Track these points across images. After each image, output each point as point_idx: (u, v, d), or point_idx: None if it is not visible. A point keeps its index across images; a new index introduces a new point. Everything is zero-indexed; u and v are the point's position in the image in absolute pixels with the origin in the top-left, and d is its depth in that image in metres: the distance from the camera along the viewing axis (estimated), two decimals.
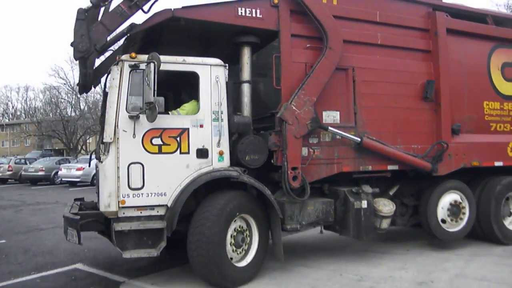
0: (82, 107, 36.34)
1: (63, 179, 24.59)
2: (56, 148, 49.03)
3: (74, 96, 36.53)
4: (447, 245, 7.33)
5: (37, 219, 11.87)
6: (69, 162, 26.69)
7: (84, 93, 7.72)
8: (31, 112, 42.36)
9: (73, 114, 38.64)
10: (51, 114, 39.74)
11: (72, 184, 23.70)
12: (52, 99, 39.33)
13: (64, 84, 36.94)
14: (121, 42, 6.60)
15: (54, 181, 25.65)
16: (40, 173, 25.78)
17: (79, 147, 40.36)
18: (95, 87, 7.70)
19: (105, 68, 6.56)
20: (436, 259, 6.68)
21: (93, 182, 22.93)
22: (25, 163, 28.23)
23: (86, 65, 5.89)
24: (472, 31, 7.50)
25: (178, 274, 6.17)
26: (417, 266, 6.36)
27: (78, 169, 23.47)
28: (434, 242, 7.49)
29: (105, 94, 6.73)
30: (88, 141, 46.26)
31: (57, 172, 25.41)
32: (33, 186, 24.62)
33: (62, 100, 38.93)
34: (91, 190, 20.41)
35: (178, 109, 5.83)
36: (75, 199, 7.01)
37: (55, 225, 10.37)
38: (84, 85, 6.72)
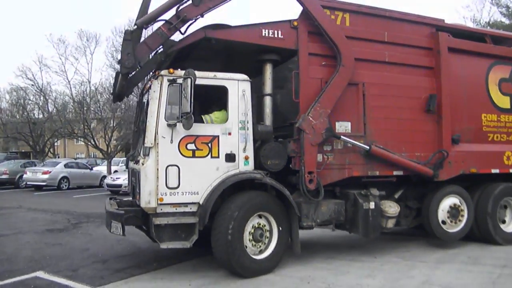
0: (50, 109, 34.52)
1: (28, 183, 23.98)
2: (23, 151, 47.29)
3: (42, 98, 34.82)
4: (414, 253, 7.68)
5: None
6: (35, 165, 26.03)
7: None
8: None
9: (40, 116, 36.80)
10: (17, 116, 37.76)
11: (38, 188, 23.29)
12: (19, 100, 37.09)
13: (32, 85, 34.85)
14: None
15: (19, 185, 24.93)
16: (4, 176, 24.84)
17: (46, 150, 39.10)
18: (127, 97, 8.52)
19: (136, 80, 7.34)
20: (403, 267, 6.84)
21: (60, 186, 23.18)
22: None
23: (127, 79, 6.68)
24: (472, 49, 8.21)
25: (141, 282, 6.22)
26: (384, 274, 6.48)
27: (44, 173, 23.09)
28: (400, 250, 7.91)
29: (140, 105, 7.53)
30: (56, 144, 44.28)
31: (22, 176, 24.64)
32: None
33: (29, 102, 36.92)
34: (57, 195, 20.70)
35: (211, 115, 6.56)
36: (110, 198, 7.74)
37: (16, 231, 10.19)
38: (119, 95, 7.51)
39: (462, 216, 7.93)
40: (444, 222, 7.82)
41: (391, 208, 7.35)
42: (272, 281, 6.18)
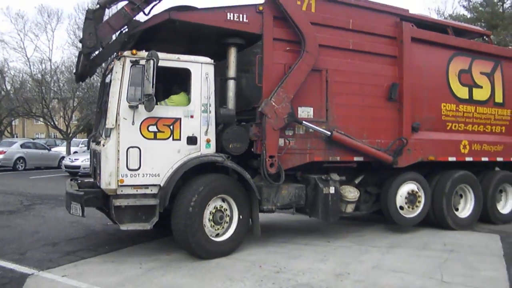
0: (7, 87, 33.28)
1: None
2: None
3: None
4: (368, 238, 7.84)
5: None
6: None
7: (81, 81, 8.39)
8: None
9: None
10: None
11: None
12: None
13: None
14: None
15: None
16: None
17: (3, 129, 37.80)
18: (91, 77, 8.42)
19: (100, 60, 7.25)
20: (356, 251, 6.94)
21: (16, 166, 22.62)
22: None
23: (89, 59, 6.59)
24: (434, 40, 8.41)
25: (91, 265, 6.14)
26: (336, 258, 6.54)
27: None
28: (354, 235, 8.07)
29: (103, 86, 7.45)
30: (13, 123, 43.31)
31: None
32: None
33: None
34: (12, 176, 20.21)
35: (166, 100, 6.55)
36: (71, 179, 7.67)
37: None
38: (82, 75, 7.42)
39: (419, 202, 8.19)
40: (402, 208, 8.06)
41: (351, 193, 7.54)
42: (223, 264, 6.20)
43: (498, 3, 28.65)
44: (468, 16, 28.41)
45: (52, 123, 28.88)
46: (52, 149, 27.17)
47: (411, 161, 8.04)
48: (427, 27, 8.51)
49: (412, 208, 8.13)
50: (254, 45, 7.42)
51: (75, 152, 26.11)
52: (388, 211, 8.01)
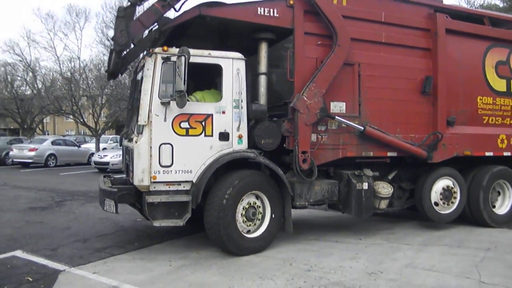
0: (39, 86, 33.93)
1: (14, 160, 23.82)
2: (12, 127, 46.76)
3: (30, 74, 34.11)
4: (400, 236, 7.65)
5: None
6: (22, 142, 25.84)
7: (112, 79, 8.44)
8: None
9: (28, 92, 36.13)
10: (5, 92, 36.47)
11: (24, 165, 23.25)
12: (7, 76, 35.97)
13: (20, 61, 34.16)
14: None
15: (5, 162, 24.84)
16: None
17: (34, 127, 38.54)
18: (122, 74, 8.47)
19: (131, 57, 7.27)
20: (388, 249, 6.80)
21: (47, 163, 23.10)
22: None
23: (120, 56, 6.62)
24: (470, 31, 8.14)
25: (121, 262, 6.15)
26: (368, 256, 6.42)
27: (31, 150, 22.95)
28: (385, 232, 7.89)
29: (134, 83, 7.48)
30: (45, 121, 43.81)
31: (8, 153, 24.53)
32: None
33: (17, 78, 36.23)
34: (44, 172, 20.64)
35: (192, 95, 6.49)
36: (104, 175, 7.75)
37: None
38: (114, 73, 7.45)
39: (455, 198, 7.99)
40: (436, 204, 7.87)
41: (384, 189, 7.39)
42: (254, 262, 6.12)
43: None
44: (501, 5, 27.40)
45: (81, 120, 29.39)
46: (82, 146, 27.77)
47: (446, 156, 7.83)
48: (461, 17, 8.23)
49: (448, 204, 7.92)
50: (285, 40, 7.35)
51: (104, 148, 26.51)
52: (422, 208, 7.83)
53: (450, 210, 7.97)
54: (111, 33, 42.04)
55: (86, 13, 42.64)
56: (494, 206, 8.50)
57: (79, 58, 32.51)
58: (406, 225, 8.51)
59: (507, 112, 8.56)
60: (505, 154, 8.43)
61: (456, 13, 8.21)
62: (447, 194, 7.90)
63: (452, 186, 7.97)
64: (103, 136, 30.81)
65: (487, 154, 8.27)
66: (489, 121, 8.39)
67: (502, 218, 8.42)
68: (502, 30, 8.55)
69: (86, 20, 35.68)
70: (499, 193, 8.64)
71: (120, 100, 26.77)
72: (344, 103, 7.15)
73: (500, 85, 8.48)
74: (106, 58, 31.45)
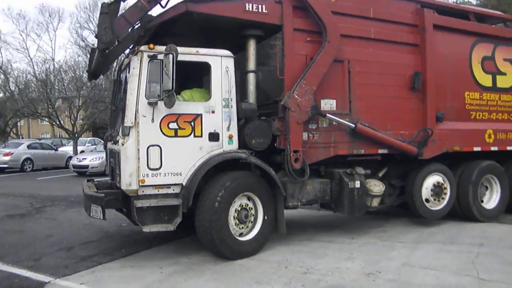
0: (12, 88, 33.04)
1: None
2: None
3: (2, 76, 33.49)
4: (391, 234, 7.54)
5: None
6: None
7: (93, 80, 8.14)
8: None
9: (0, 95, 35.25)
10: None
11: None
12: None
13: None
14: None
15: None
16: None
17: (9, 130, 37.38)
18: (103, 74, 8.17)
19: (112, 56, 7.00)
20: (382, 248, 6.70)
21: (24, 168, 22.22)
22: None
23: (104, 55, 6.35)
24: (456, 27, 8.15)
25: (109, 271, 5.88)
26: (363, 255, 6.31)
27: (6, 155, 22.24)
28: (376, 230, 7.79)
29: (117, 83, 7.21)
30: (19, 124, 42.98)
31: None
32: None
33: None
34: (20, 177, 19.95)
35: (180, 95, 6.26)
36: (88, 179, 7.45)
37: None
38: (95, 73, 7.16)
39: (445, 194, 7.96)
40: (427, 200, 7.83)
41: (376, 186, 7.31)
42: (248, 266, 5.93)
43: None
44: (474, 2, 27.82)
45: (57, 122, 28.71)
46: (59, 149, 26.98)
47: (436, 152, 7.79)
48: (447, 13, 8.23)
49: (438, 201, 7.90)
50: (271, 37, 7.19)
51: (82, 151, 25.92)
52: (414, 205, 7.78)
53: (441, 206, 7.94)
54: (85, 33, 41.14)
55: (59, 13, 41.74)
56: (482, 201, 8.51)
57: (53, 59, 31.90)
58: (396, 223, 8.44)
59: (493, 107, 8.60)
60: (493, 148, 8.46)
61: (442, 9, 8.19)
62: (437, 190, 7.88)
63: (443, 182, 7.94)
64: (80, 138, 30.22)
65: (475, 149, 8.28)
66: (477, 116, 8.41)
67: (490, 212, 8.45)
68: (487, 26, 8.62)
69: (60, 21, 34.90)
70: (486, 187, 8.65)
71: (98, 101, 26.27)
72: (335, 101, 7.02)
73: (486, 80, 8.51)
74: (81, 59, 30.96)
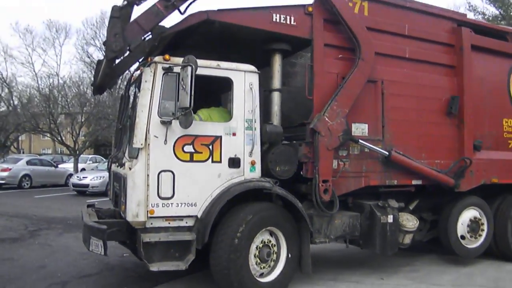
0: (15, 102, 32.41)
1: None
2: None
3: (6, 90, 32.72)
4: (424, 274, 6.87)
5: None
6: None
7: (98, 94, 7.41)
8: None
9: (3, 109, 34.25)
10: None
11: None
12: None
13: None
14: None
15: None
16: None
17: (9, 144, 36.64)
18: (110, 88, 7.44)
19: (120, 70, 6.31)
20: None
21: (21, 184, 21.30)
22: None
23: (112, 65, 5.64)
24: (494, 48, 7.50)
25: None
26: None
27: (4, 170, 21.44)
28: (407, 269, 7.09)
29: (125, 98, 6.48)
30: (20, 138, 42.53)
31: None
32: None
33: None
34: (17, 194, 19.11)
35: (196, 114, 5.50)
36: (88, 205, 6.65)
37: None
38: (101, 86, 6.46)
39: (482, 230, 7.22)
40: (463, 237, 7.07)
41: (410, 221, 6.53)
42: None
43: None
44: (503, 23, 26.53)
45: (59, 138, 28.04)
46: (59, 166, 26.14)
47: (473, 184, 7.06)
48: (482, 33, 7.58)
49: (475, 238, 7.15)
50: (294, 55, 6.51)
51: (83, 169, 25.11)
52: (448, 241, 7.00)
53: (478, 244, 7.18)
54: (91, 50, 40.92)
55: (66, 29, 41.15)
56: None
57: (58, 74, 31.48)
58: (426, 260, 7.65)
59: None
60: None
61: (478, 28, 7.55)
62: (474, 226, 7.13)
63: (480, 217, 7.20)
64: (81, 155, 29.46)
65: None
66: None
67: None
68: None
69: (66, 37, 34.54)
70: None
71: (101, 118, 25.72)
72: (367, 125, 6.31)
73: None
74: (85, 75, 30.53)
